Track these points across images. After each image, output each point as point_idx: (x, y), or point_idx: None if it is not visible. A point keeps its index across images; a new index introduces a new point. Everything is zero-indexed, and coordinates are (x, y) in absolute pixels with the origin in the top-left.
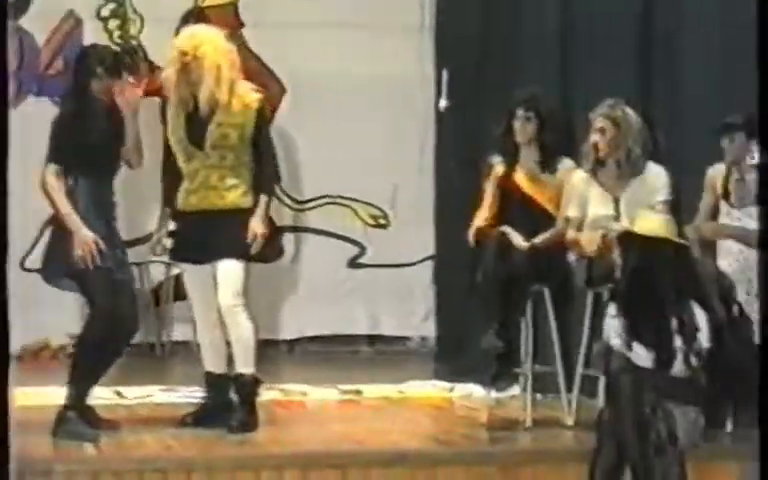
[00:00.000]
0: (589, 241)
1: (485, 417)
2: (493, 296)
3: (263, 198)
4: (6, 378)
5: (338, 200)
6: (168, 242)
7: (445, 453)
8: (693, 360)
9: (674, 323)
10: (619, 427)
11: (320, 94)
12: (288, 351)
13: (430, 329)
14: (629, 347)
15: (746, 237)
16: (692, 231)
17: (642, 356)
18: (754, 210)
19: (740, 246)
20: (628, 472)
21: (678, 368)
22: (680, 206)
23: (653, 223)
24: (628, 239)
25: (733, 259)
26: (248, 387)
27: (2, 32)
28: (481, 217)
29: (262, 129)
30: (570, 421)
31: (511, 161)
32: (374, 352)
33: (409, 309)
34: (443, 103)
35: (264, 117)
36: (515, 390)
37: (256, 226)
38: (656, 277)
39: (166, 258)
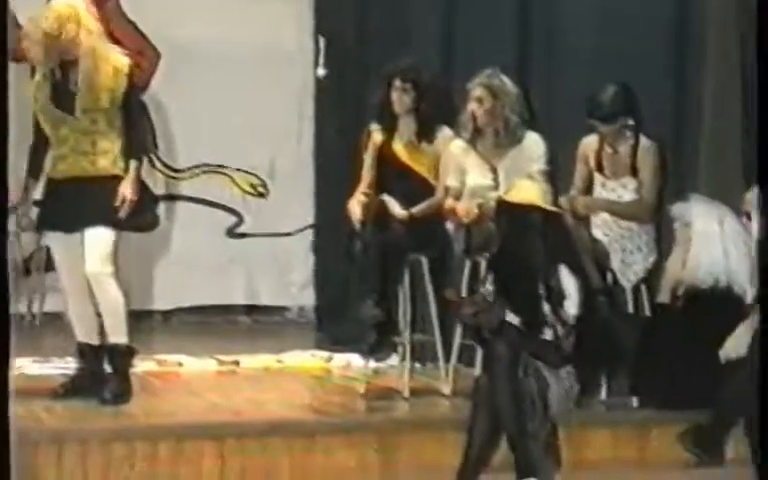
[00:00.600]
0: (467, 210)
1: (363, 387)
2: (371, 265)
3: (133, 163)
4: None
5: (216, 169)
6: (34, 212)
7: (323, 423)
8: (559, 327)
9: (542, 289)
10: (494, 394)
11: (197, 61)
12: (164, 321)
13: (309, 299)
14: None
15: (620, 209)
16: (566, 202)
17: (514, 322)
18: (629, 181)
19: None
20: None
21: (547, 334)
22: (556, 175)
23: (527, 191)
24: (502, 208)
25: (608, 228)
26: (121, 357)
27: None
28: (360, 186)
29: (132, 93)
30: (448, 390)
31: (389, 130)
32: (252, 322)
33: (288, 279)
34: (321, 71)
35: (134, 81)
36: (393, 360)
37: (125, 190)
38: (527, 244)
39: (32, 229)
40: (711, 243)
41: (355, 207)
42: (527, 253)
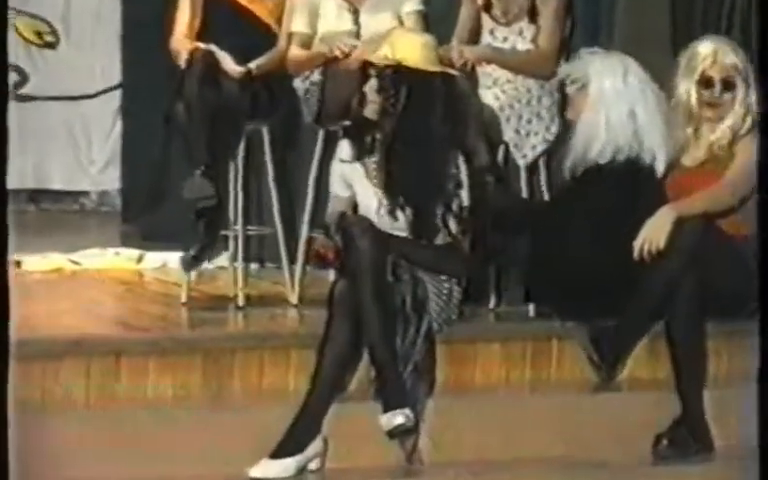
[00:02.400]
0: (310, 59)
1: (185, 294)
2: (197, 134)
3: None
4: None
5: None
6: None
7: (133, 340)
8: (452, 224)
9: (438, 179)
10: (355, 301)
11: None
12: None
13: (113, 181)
14: (384, 208)
15: (513, 61)
16: (455, 55)
17: (392, 220)
18: (525, 27)
19: (507, 73)
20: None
21: (439, 236)
22: (428, 17)
23: (416, 45)
24: (393, 74)
25: (498, 88)
26: None
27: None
28: (179, 30)
29: None
30: (294, 298)
31: None
32: (39, 212)
33: (86, 156)
34: None
35: None
36: (223, 259)
37: None
38: (425, 121)
39: None
40: (613, 105)
41: (181, 50)
42: (421, 130)
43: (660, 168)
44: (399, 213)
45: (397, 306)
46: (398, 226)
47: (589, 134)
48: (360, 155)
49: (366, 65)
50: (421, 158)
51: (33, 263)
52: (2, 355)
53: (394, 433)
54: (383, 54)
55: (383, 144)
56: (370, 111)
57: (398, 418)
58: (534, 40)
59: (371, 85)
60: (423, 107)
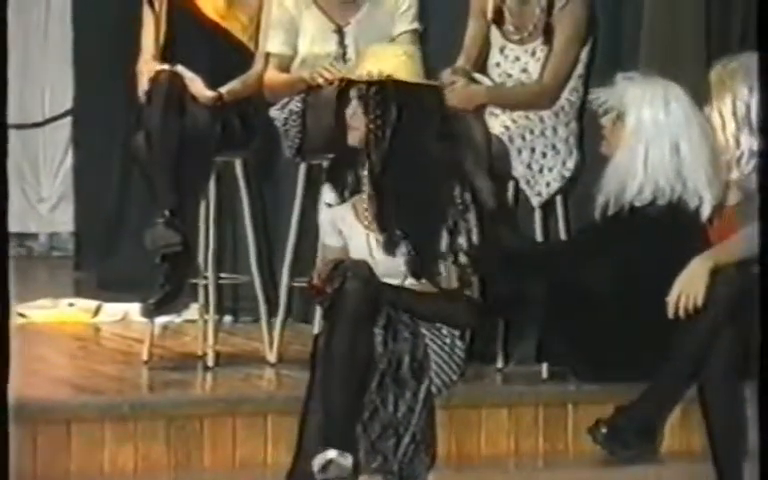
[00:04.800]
0: (289, 85)
1: (146, 351)
2: (160, 169)
3: None
4: None
5: None
6: None
7: (88, 404)
8: (455, 265)
9: (437, 213)
10: (333, 357)
11: None
12: None
13: (65, 221)
14: (377, 246)
15: (514, 101)
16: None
17: (389, 261)
18: (539, 47)
19: None
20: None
21: (441, 276)
22: (426, 38)
23: (396, 59)
24: (377, 92)
25: (508, 117)
26: None
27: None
28: (145, 52)
29: None
30: (272, 356)
31: None
32: None
33: (34, 192)
34: None
35: None
36: (192, 312)
37: None
38: (418, 146)
39: None
40: (654, 139)
41: (143, 76)
42: (418, 158)
43: (705, 212)
44: (395, 250)
45: (389, 365)
46: (395, 267)
47: (625, 172)
48: (346, 195)
49: (346, 85)
50: (416, 187)
51: None
52: None
53: (325, 469)
54: (365, 71)
55: (371, 175)
56: (354, 138)
57: (330, 453)
58: (543, 66)
59: (353, 107)
60: (415, 127)
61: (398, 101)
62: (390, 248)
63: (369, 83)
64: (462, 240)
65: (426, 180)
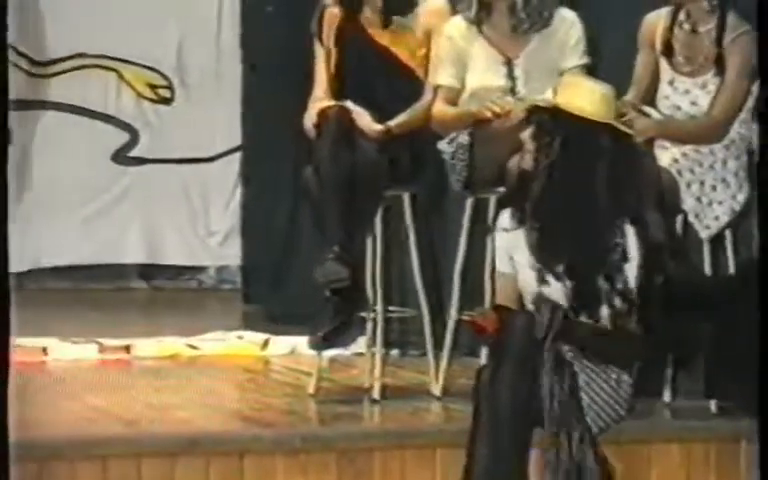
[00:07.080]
0: (458, 118)
1: (314, 385)
2: (329, 204)
3: None
4: None
5: (98, 61)
6: None
7: (257, 436)
8: (617, 301)
9: (600, 247)
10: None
11: None
12: (17, 288)
13: (234, 255)
14: (541, 278)
15: (684, 135)
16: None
17: (555, 292)
18: (710, 80)
19: None
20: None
21: (602, 312)
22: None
23: (588, 94)
24: (551, 118)
25: (678, 150)
26: None
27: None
28: (319, 89)
29: None
30: (437, 389)
31: (354, 2)
32: (151, 290)
33: (204, 226)
34: None
35: None
36: (359, 345)
37: None
38: (587, 179)
39: None
40: None
41: (311, 115)
42: (586, 192)
43: None
44: (555, 282)
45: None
46: (554, 297)
47: None
48: (522, 220)
49: (531, 109)
50: (577, 221)
51: (146, 348)
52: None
53: None
54: (547, 96)
55: (532, 204)
56: (527, 162)
57: None
58: (714, 99)
59: (529, 130)
60: (583, 163)
61: (568, 131)
62: (548, 276)
63: (545, 108)
64: (621, 278)
65: (589, 219)
